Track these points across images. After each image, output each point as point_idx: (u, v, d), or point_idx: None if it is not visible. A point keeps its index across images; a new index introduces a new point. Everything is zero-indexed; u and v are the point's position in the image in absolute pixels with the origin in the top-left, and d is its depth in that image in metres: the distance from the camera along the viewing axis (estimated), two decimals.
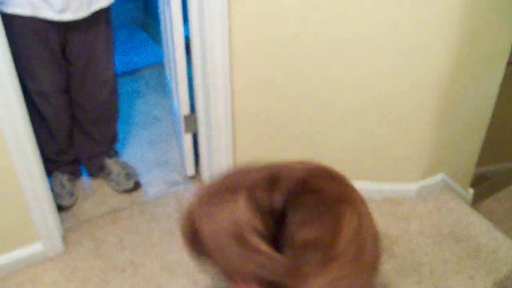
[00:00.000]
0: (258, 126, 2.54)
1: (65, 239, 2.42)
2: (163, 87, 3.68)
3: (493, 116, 2.87)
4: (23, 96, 2.06)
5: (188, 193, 2.74)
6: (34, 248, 2.31)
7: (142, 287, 2.21)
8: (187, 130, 2.65)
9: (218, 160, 2.60)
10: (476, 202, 3.25)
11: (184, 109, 2.62)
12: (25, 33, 2.17)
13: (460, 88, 2.49)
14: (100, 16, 2.33)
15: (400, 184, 2.71)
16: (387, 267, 2.34)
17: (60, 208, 2.53)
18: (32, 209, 2.22)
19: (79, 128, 2.64)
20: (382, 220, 2.59)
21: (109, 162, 2.76)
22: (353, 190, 1.70)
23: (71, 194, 2.65)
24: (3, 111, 1.95)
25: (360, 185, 2.66)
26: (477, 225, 2.63)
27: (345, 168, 2.64)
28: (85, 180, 2.84)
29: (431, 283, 2.27)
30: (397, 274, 2.30)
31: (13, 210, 2.19)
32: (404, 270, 2.33)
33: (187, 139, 2.69)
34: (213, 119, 2.47)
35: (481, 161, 3.11)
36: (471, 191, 3.11)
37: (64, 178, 2.66)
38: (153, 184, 2.82)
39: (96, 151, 2.73)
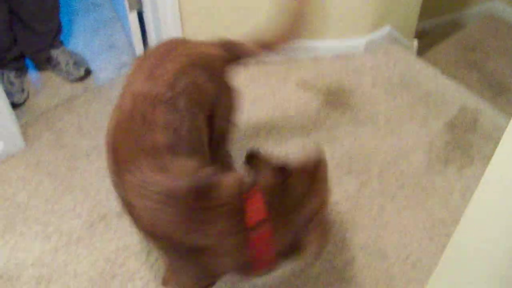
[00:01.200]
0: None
1: (24, 135, 2.39)
2: None
3: None
4: None
5: None
6: None
7: None
8: (131, 8, 2.58)
9: (167, 37, 2.56)
10: (419, 55, 3.34)
11: None
12: None
13: None
14: None
15: (349, 40, 2.75)
16: (345, 119, 2.42)
17: (13, 106, 2.47)
18: None
19: (21, 23, 2.54)
20: (335, 76, 2.65)
21: (56, 53, 2.69)
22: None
23: (22, 90, 2.60)
24: None
25: (311, 44, 2.72)
26: (425, 73, 2.72)
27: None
28: (33, 75, 2.77)
29: (388, 129, 2.38)
30: (355, 125, 2.40)
31: None
32: (362, 120, 2.42)
33: (133, 17, 2.62)
34: None
35: (421, 16, 3.17)
36: (415, 42, 3.19)
37: (11, 75, 2.59)
38: (103, 69, 2.79)
39: (41, 44, 2.65)
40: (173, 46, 1.59)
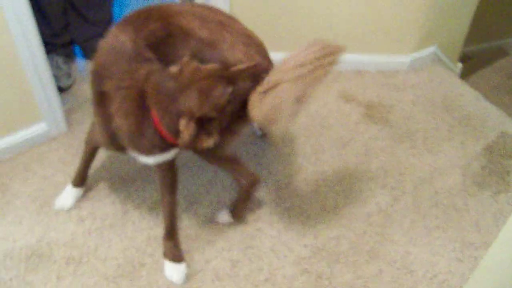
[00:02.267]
0: None
1: (67, 119, 2.45)
2: None
3: None
4: None
5: None
6: (38, 128, 2.35)
7: None
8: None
9: None
10: (462, 78, 3.33)
11: None
12: None
13: None
14: None
15: (393, 56, 2.76)
16: (383, 134, 2.43)
17: (59, 90, 2.53)
18: (35, 89, 2.23)
19: (74, 11, 2.61)
20: (376, 91, 2.66)
21: None
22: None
23: (68, 75, 2.66)
24: None
25: (355, 58, 2.74)
26: (467, 96, 2.71)
27: (340, 41, 2.68)
28: (81, 62, 2.84)
29: (425, 148, 2.38)
30: (392, 141, 2.40)
31: (17, 90, 2.20)
32: (400, 136, 2.43)
33: None
34: None
35: (467, 41, 3.16)
36: (459, 65, 3.18)
37: (60, 61, 2.66)
38: None
39: (91, 33, 2.70)
40: None
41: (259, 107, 1.54)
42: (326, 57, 1.53)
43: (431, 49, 2.82)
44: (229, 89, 1.53)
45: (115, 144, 1.73)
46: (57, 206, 2.09)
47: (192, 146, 1.54)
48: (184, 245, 1.95)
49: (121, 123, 1.62)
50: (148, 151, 1.68)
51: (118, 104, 1.62)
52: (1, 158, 2.28)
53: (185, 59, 1.57)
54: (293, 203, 2.13)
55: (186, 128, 1.50)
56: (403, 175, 2.25)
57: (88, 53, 2.81)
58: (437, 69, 2.84)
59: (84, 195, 2.13)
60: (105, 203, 2.11)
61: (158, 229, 2.00)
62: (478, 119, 2.56)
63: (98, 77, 1.70)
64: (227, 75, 1.55)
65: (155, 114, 1.57)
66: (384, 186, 2.20)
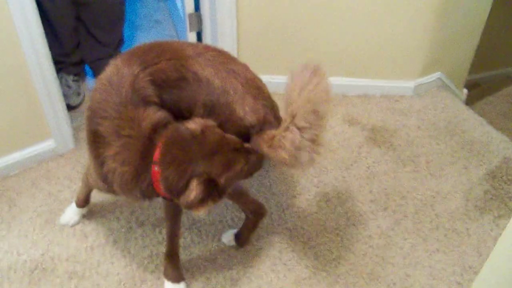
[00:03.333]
0: (261, 25, 2.58)
1: (75, 136, 2.50)
2: None
3: (487, 23, 2.92)
4: None
5: None
6: (47, 145, 2.39)
7: None
8: (191, 29, 2.68)
9: None
10: (468, 105, 3.35)
11: (189, 7, 2.64)
12: None
13: None
14: None
15: (398, 81, 2.79)
16: (386, 157, 2.45)
17: (68, 108, 2.58)
18: (44, 106, 2.28)
19: (85, 31, 2.67)
20: (381, 115, 2.68)
21: None
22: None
23: (78, 94, 2.71)
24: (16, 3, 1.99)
25: (361, 83, 2.77)
26: (471, 121, 2.73)
27: (345, 66, 2.73)
28: (90, 81, 2.89)
29: (427, 172, 2.39)
30: (396, 164, 2.42)
31: (27, 107, 2.25)
32: (403, 160, 2.44)
33: (192, 38, 2.72)
34: (218, 17, 2.50)
35: (473, 68, 3.19)
36: (465, 91, 3.21)
37: (69, 79, 2.71)
38: None
39: (102, 53, 2.76)
40: None
41: (284, 149, 1.53)
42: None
43: (436, 75, 2.85)
44: (246, 166, 1.56)
45: (108, 186, 1.67)
46: (62, 222, 2.12)
47: (191, 207, 1.51)
48: (185, 262, 1.97)
49: (116, 168, 1.56)
50: (136, 200, 1.69)
51: (117, 151, 1.56)
52: (10, 173, 2.33)
53: (209, 122, 1.57)
54: (295, 223, 2.15)
55: (196, 188, 1.46)
56: (405, 198, 2.26)
57: (97, 73, 2.86)
58: (442, 94, 2.86)
59: (88, 211, 2.16)
60: (109, 219, 2.14)
61: (161, 247, 2.02)
62: (482, 144, 2.57)
63: (93, 115, 1.63)
64: (245, 149, 1.57)
65: (156, 169, 1.52)
66: (385, 208, 2.22)
